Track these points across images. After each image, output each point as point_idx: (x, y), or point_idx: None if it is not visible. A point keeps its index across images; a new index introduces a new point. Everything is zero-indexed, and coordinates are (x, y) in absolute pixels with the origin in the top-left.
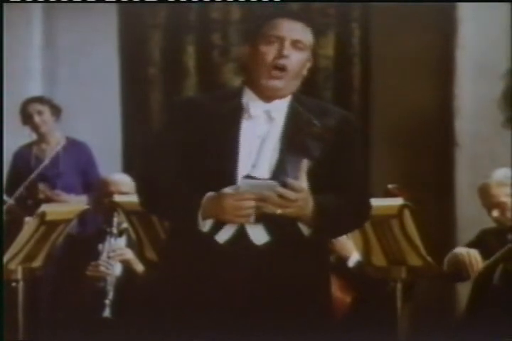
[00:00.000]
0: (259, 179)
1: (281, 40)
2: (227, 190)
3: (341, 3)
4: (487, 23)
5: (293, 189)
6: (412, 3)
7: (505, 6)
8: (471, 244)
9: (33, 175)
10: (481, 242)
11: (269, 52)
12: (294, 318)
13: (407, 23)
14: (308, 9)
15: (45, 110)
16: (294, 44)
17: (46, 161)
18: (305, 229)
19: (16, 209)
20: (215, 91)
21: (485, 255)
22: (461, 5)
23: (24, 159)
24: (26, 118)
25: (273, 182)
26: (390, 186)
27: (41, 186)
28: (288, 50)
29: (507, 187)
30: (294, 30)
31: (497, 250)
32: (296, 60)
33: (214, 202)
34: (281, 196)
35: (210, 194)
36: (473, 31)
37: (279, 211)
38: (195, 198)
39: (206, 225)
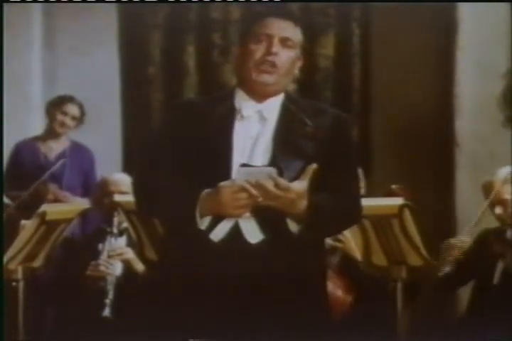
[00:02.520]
0: (256, 166)
1: (269, 37)
2: (224, 183)
3: (341, 3)
4: (487, 23)
5: (279, 187)
6: (412, 3)
7: (505, 6)
8: (472, 244)
9: (44, 177)
10: (482, 242)
11: (258, 50)
12: (292, 317)
13: (407, 23)
14: (308, 9)
15: (77, 118)
16: (283, 41)
17: (57, 165)
18: (293, 226)
19: (13, 209)
20: (210, 93)
21: (485, 255)
22: (461, 5)
23: (32, 154)
24: (57, 111)
25: (270, 169)
26: (393, 186)
27: (52, 187)
28: (276, 47)
29: (510, 185)
30: (283, 28)
31: (498, 249)
32: (286, 58)
33: (211, 198)
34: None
35: (206, 191)
36: (473, 31)
37: (260, 199)
38: (191, 196)
39: (204, 223)
